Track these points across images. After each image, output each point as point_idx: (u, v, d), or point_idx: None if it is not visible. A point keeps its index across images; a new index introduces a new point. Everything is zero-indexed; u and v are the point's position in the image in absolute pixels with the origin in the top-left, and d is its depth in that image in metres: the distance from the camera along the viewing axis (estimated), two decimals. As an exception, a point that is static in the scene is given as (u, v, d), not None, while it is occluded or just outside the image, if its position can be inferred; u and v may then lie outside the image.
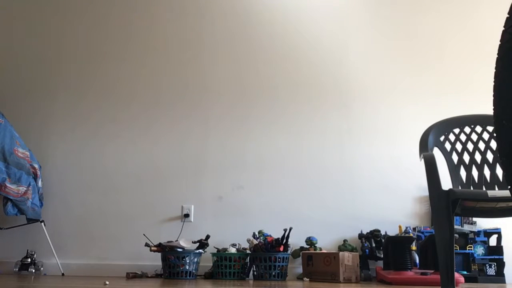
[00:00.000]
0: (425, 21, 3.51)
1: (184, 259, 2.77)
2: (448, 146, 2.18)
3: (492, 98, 0.68)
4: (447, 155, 2.17)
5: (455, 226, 2.82)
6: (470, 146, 2.18)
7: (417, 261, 2.79)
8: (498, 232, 2.89)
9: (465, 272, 2.79)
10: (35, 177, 3.11)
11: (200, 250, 2.87)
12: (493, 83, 0.68)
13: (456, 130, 2.21)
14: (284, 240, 2.81)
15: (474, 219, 2.97)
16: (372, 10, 3.57)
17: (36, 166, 3.14)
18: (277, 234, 3.01)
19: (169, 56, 3.59)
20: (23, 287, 1.85)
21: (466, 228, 2.92)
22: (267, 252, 2.77)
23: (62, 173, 3.41)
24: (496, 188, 2.03)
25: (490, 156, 2.12)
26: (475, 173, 2.12)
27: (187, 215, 3.25)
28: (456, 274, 2.46)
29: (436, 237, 1.73)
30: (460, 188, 2.08)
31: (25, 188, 2.97)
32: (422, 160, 1.90)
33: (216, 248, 2.97)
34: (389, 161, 3.26)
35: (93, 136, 3.48)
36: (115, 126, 3.48)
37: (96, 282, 2.31)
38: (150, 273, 3.07)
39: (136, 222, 3.27)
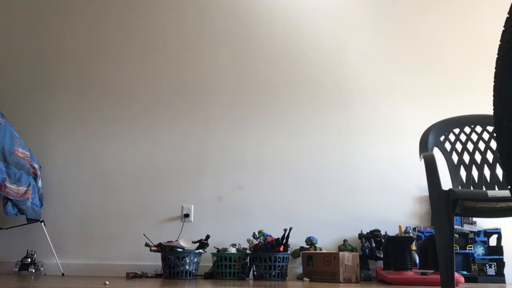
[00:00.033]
0: (425, 21, 3.51)
1: (184, 259, 2.77)
2: (448, 146, 2.18)
3: (492, 98, 0.68)
4: (447, 155, 2.17)
5: (455, 226, 2.82)
6: (470, 146, 2.18)
7: (417, 261, 2.79)
8: (498, 232, 2.89)
9: (465, 272, 2.79)
10: (35, 177, 3.11)
11: (200, 250, 2.87)
12: (493, 83, 0.68)
13: (456, 130, 2.21)
14: (284, 240, 2.81)
15: (474, 219, 2.97)
16: (372, 10, 3.57)
17: (36, 166, 3.14)
18: (277, 234, 3.01)
19: (169, 56, 3.59)
20: (23, 287, 1.85)
21: (466, 228, 2.92)
22: (267, 252, 2.77)
23: (62, 173, 3.41)
24: (496, 188, 2.03)
25: (490, 156, 2.12)
26: (475, 173, 2.12)
27: (187, 215, 3.25)
28: (456, 274, 2.46)
29: (436, 237, 1.73)
30: (460, 188, 2.08)
31: (25, 188, 2.97)
32: (422, 160, 1.90)
33: (216, 248, 2.97)
34: (389, 161, 3.26)
35: (93, 136, 3.48)
36: (115, 126, 3.48)
37: (96, 282, 2.31)
38: (150, 273, 3.07)
39: (136, 222, 3.27)
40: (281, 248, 2.78)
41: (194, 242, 2.90)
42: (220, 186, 3.31)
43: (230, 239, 3.13)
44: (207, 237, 2.92)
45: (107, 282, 2.19)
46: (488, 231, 2.90)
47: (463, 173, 2.14)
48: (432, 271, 2.52)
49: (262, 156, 3.35)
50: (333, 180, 3.26)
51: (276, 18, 3.60)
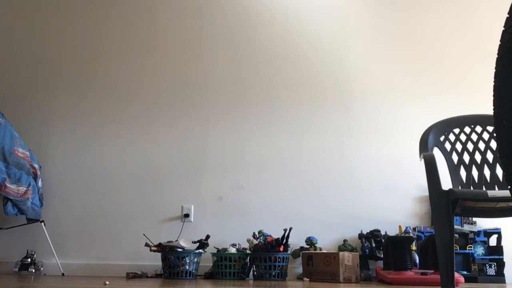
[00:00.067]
0: (425, 21, 3.51)
1: (184, 259, 2.77)
2: (448, 146, 2.18)
3: (492, 98, 0.68)
4: (447, 155, 2.17)
5: (455, 226, 2.82)
6: (470, 146, 2.18)
7: (417, 261, 2.79)
8: (498, 232, 2.89)
9: (465, 272, 2.79)
10: (35, 177, 3.11)
11: (200, 250, 2.87)
12: (493, 83, 0.68)
13: (456, 130, 2.21)
14: (284, 240, 2.81)
15: (474, 219, 2.97)
16: (372, 10, 3.57)
17: (36, 166, 3.14)
18: (277, 234, 3.01)
19: (169, 56, 3.59)
20: (23, 287, 1.85)
21: (466, 228, 2.92)
22: (267, 252, 2.77)
23: (62, 173, 3.41)
24: (496, 188, 2.03)
25: (490, 156, 2.12)
26: (475, 173, 2.12)
27: (187, 215, 3.25)
28: (456, 274, 2.46)
29: (436, 237, 1.73)
30: (460, 188, 2.08)
31: (25, 188, 2.97)
32: (422, 160, 1.90)
33: (216, 248, 2.97)
34: (389, 161, 3.26)
35: (93, 136, 3.48)
36: (115, 126, 3.48)
37: (96, 282, 2.31)
38: (150, 273, 3.07)
39: (136, 222, 3.27)
40: (281, 248, 2.78)
41: (194, 242, 2.90)
42: (220, 186, 3.31)
43: (230, 239, 3.13)
44: (207, 237, 2.92)
45: (107, 282, 2.19)
46: (488, 231, 2.90)
47: (463, 173, 2.14)
48: (432, 271, 2.52)
49: (262, 156, 3.35)
50: (333, 180, 3.26)
51: (276, 18, 3.60)
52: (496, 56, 0.68)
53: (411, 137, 3.20)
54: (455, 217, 2.31)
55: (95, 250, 3.24)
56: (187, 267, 2.78)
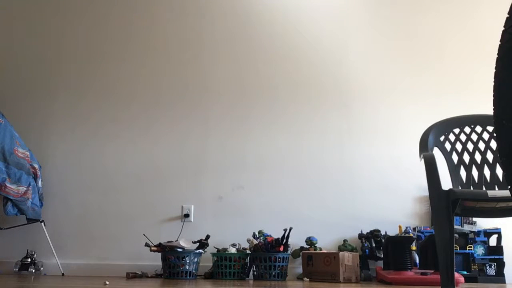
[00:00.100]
0: (425, 21, 3.51)
1: (184, 259, 2.77)
2: (448, 146, 2.18)
3: (492, 98, 0.68)
4: (447, 155, 2.17)
5: (455, 226, 2.82)
6: (470, 146, 2.18)
7: (417, 261, 2.79)
8: (498, 232, 2.89)
9: (465, 272, 2.79)
10: (35, 177, 3.11)
11: (200, 250, 2.87)
12: (493, 83, 0.68)
13: (456, 130, 2.21)
14: (284, 240, 2.81)
15: (474, 219, 2.97)
16: (372, 10, 3.57)
17: (36, 166, 3.14)
18: (277, 234, 3.01)
19: (169, 56, 3.59)
20: (23, 287, 1.85)
21: (466, 228, 2.92)
22: (267, 252, 2.77)
23: (62, 173, 3.41)
24: (496, 188, 2.03)
25: (490, 156, 2.12)
26: (475, 173, 2.12)
27: (187, 215, 3.25)
28: (456, 274, 2.46)
29: (436, 237, 1.73)
30: (460, 188, 2.08)
31: (25, 188, 2.97)
32: (422, 160, 1.90)
33: (216, 248, 2.97)
34: (389, 161, 3.26)
35: (93, 136, 3.48)
36: (115, 126, 3.48)
37: (96, 282, 2.31)
38: (150, 273, 3.07)
39: (136, 222, 3.27)
40: (281, 248, 2.78)
41: (194, 242, 2.90)
42: (220, 186, 3.31)
43: (230, 239, 3.13)
44: (207, 237, 2.92)
45: (107, 282, 2.19)
46: (488, 231, 2.90)
47: (463, 173, 2.14)
48: (432, 271, 2.52)
49: (262, 156, 3.35)
50: (333, 180, 3.26)
51: (276, 18, 3.60)
52: (496, 56, 0.68)
53: (411, 137, 3.20)
54: (455, 217, 2.31)
55: (95, 250, 3.24)
56: (187, 267, 2.78)
